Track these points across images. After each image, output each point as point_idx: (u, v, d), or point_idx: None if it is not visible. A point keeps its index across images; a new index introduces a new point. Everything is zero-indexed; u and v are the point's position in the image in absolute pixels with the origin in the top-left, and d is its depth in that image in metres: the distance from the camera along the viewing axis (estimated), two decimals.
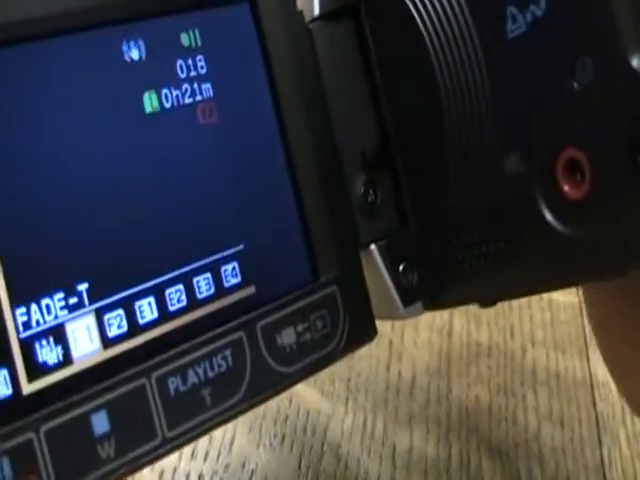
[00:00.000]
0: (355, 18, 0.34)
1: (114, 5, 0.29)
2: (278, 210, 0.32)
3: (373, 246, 0.34)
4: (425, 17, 0.32)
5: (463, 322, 0.53)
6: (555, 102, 0.28)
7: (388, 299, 0.34)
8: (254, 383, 0.30)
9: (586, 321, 0.54)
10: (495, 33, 0.29)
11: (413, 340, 0.52)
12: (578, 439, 0.50)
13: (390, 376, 0.49)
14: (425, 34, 0.32)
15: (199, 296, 0.29)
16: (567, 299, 0.55)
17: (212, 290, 0.30)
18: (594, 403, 0.51)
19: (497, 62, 0.30)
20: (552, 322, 0.54)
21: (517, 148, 0.29)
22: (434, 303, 0.35)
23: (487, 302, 0.34)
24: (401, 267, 0.34)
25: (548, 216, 0.29)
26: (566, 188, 0.28)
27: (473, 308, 0.53)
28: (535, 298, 0.55)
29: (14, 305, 0.26)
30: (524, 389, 0.50)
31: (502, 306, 0.54)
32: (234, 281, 0.30)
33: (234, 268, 0.30)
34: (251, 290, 0.31)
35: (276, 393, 0.30)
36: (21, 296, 0.26)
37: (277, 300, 0.31)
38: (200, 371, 0.29)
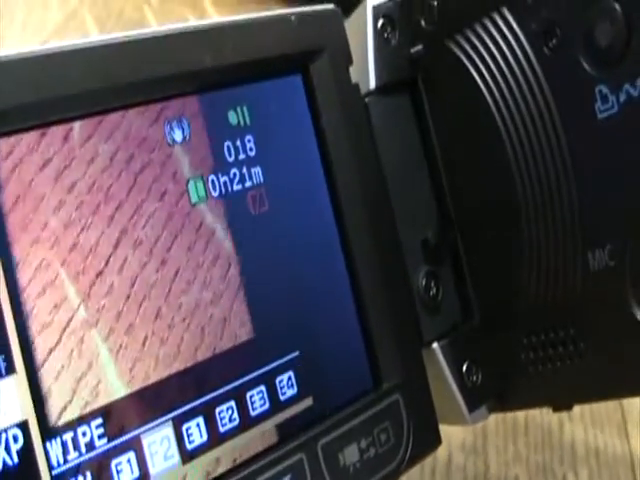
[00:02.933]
0: (413, 92, 0.31)
1: (155, 81, 0.25)
2: (335, 309, 0.28)
3: (435, 344, 0.30)
4: (495, 91, 0.28)
5: None
6: None
7: (452, 403, 0.31)
8: None
9: None
10: (581, 113, 0.26)
11: None
12: None
13: None
14: (494, 109, 0.29)
15: (252, 413, 0.26)
16: None
17: (267, 405, 0.26)
18: None
19: (583, 146, 0.26)
20: None
21: (605, 242, 0.26)
22: (500, 406, 0.32)
23: (561, 406, 0.31)
24: (465, 367, 0.31)
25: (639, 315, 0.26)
26: None
27: None
28: None
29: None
30: (564, 468, 0.48)
31: None
32: (290, 393, 0.27)
33: (289, 378, 0.27)
34: (309, 402, 0.27)
35: None
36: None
37: (337, 413, 0.27)
38: None
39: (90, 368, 0.23)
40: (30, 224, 0.22)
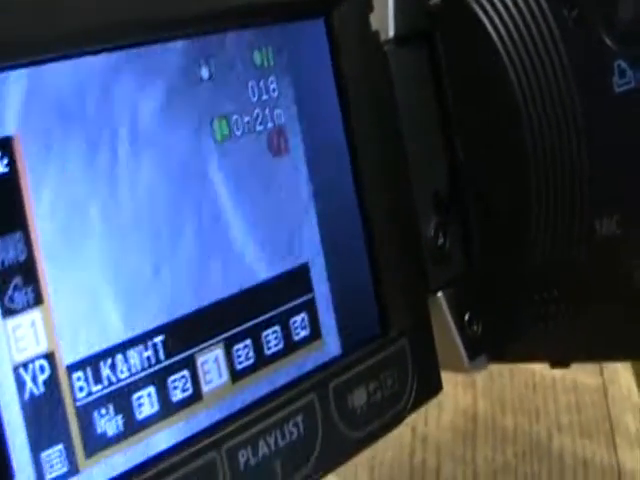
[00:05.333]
0: (430, 44, 0.31)
1: (189, 19, 0.25)
2: (348, 255, 0.28)
3: (440, 293, 0.31)
4: (512, 53, 0.29)
5: (487, 405, 0.52)
6: None
7: (453, 350, 0.31)
8: (325, 452, 0.26)
9: (611, 404, 0.52)
10: (598, 85, 0.26)
11: (437, 423, 0.50)
12: None
13: (414, 463, 0.47)
14: (511, 71, 0.29)
15: (268, 352, 0.26)
16: (591, 381, 0.54)
17: (281, 345, 0.26)
18: None
19: (598, 117, 0.27)
20: (577, 405, 0.53)
21: (614, 211, 0.27)
22: (499, 357, 0.32)
23: (558, 363, 0.31)
24: (467, 316, 0.31)
25: None
26: None
27: (497, 390, 0.52)
28: (559, 380, 0.54)
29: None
30: (552, 478, 0.49)
31: (526, 387, 0.53)
32: (303, 334, 0.27)
33: (303, 320, 0.27)
34: (320, 344, 0.27)
35: (345, 461, 0.27)
36: None
37: (348, 356, 0.28)
38: (271, 441, 0.25)
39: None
40: None
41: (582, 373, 0.54)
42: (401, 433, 0.47)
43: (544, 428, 0.51)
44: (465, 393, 0.51)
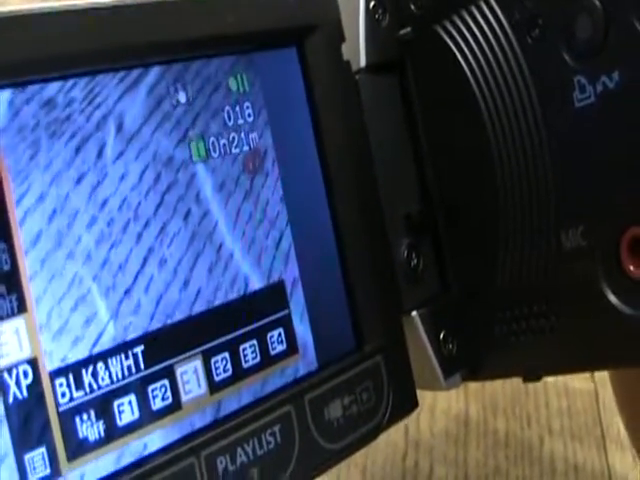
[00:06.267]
0: (401, 73, 0.32)
1: (166, 45, 0.26)
2: (323, 274, 0.29)
3: (415, 313, 0.32)
4: (479, 76, 0.30)
5: (479, 409, 0.52)
6: (622, 178, 0.26)
7: (429, 369, 0.32)
8: (301, 462, 0.27)
9: (602, 409, 0.53)
10: (560, 100, 0.28)
11: (429, 427, 0.50)
12: None
13: (406, 465, 0.47)
14: (478, 94, 0.30)
15: (245, 365, 0.27)
16: (583, 386, 0.54)
17: (258, 358, 0.27)
18: None
19: (560, 131, 0.28)
20: (569, 410, 0.53)
21: (578, 223, 0.28)
22: (474, 375, 0.33)
23: (531, 377, 0.32)
24: (441, 335, 0.32)
25: (609, 294, 0.27)
26: (631, 267, 0.27)
27: (488, 394, 0.52)
28: (550, 384, 0.54)
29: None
30: None
31: (518, 392, 0.54)
32: (280, 348, 0.28)
33: (279, 334, 0.28)
34: (297, 358, 0.28)
35: (322, 471, 0.28)
36: None
37: (323, 370, 0.29)
38: (249, 449, 0.26)
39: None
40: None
41: (573, 378, 0.54)
42: (393, 436, 0.48)
43: (535, 432, 0.51)
44: (457, 397, 0.52)
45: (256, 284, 0.28)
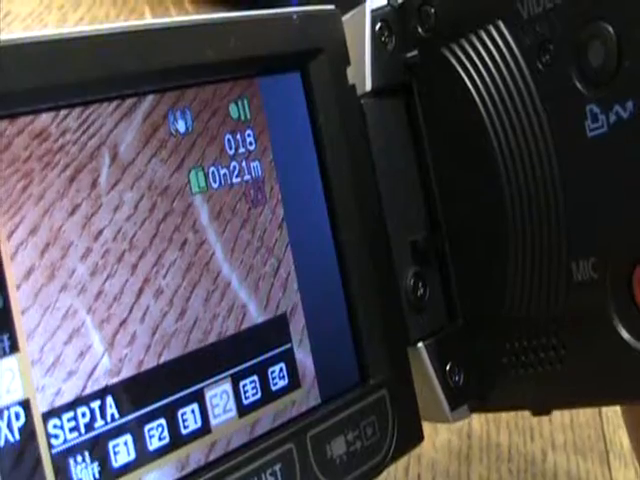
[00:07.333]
0: (407, 96, 0.32)
1: (160, 72, 0.25)
2: (327, 307, 0.29)
3: (421, 344, 0.31)
4: (488, 102, 0.29)
5: (482, 422, 0.51)
6: (635, 211, 0.26)
7: (435, 401, 0.31)
8: None
9: (606, 423, 0.52)
10: (571, 129, 0.27)
11: (432, 441, 0.49)
12: None
13: (409, 479, 0.46)
14: (487, 120, 0.29)
15: (245, 402, 0.26)
16: None
17: (259, 394, 0.26)
18: None
19: (571, 160, 0.27)
20: (572, 424, 0.52)
21: (589, 254, 0.27)
22: (481, 406, 0.32)
23: (540, 411, 0.31)
24: (448, 367, 0.31)
25: (620, 328, 0.27)
26: None
27: None
28: None
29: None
30: None
31: None
32: (282, 383, 0.27)
33: (281, 369, 0.27)
34: (299, 394, 0.27)
35: None
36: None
37: (326, 405, 0.28)
38: None
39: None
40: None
41: None
42: None
43: (539, 446, 0.51)
44: None
45: (258, 318, 0.27)
